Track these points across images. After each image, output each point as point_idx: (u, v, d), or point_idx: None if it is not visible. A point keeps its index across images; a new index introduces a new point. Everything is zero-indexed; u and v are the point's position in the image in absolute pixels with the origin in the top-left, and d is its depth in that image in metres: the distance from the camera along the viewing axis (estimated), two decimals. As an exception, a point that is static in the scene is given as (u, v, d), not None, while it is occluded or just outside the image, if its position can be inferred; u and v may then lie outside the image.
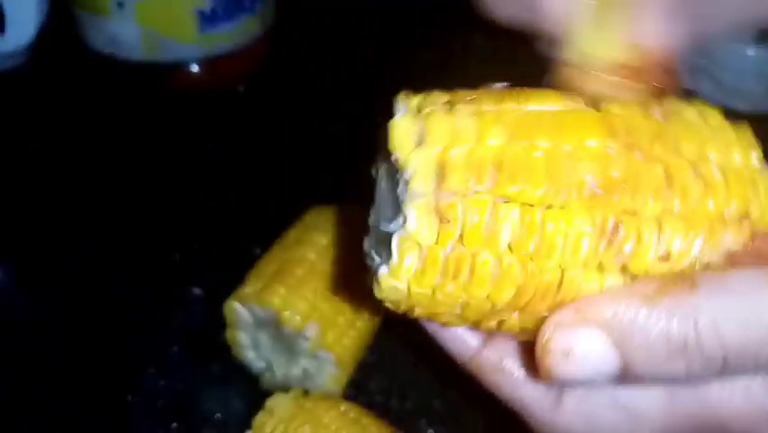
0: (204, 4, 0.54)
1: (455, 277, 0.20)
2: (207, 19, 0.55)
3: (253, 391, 0.39)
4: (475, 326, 0.22)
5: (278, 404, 0.35)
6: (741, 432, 0.21)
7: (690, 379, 0.20)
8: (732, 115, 0.22)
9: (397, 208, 0.21)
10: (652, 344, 0.19)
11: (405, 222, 0.20)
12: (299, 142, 0.55)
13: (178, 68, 0.57)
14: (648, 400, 0.21)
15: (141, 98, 0.59)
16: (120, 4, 0.53)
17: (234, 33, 0.57)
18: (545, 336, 0.20)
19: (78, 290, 0.45)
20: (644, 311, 0.19)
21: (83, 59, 0.59)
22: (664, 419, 0.21)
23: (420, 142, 0.20)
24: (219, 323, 0.42)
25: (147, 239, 0.48)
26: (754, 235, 0.20)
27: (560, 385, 0.21)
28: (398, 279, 0.20)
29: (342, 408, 0.35)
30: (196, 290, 0.44)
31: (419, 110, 0.21)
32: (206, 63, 0.58)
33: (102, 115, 0.58)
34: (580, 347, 0.19)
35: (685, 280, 0.20)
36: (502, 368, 0.23)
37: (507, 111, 0.21)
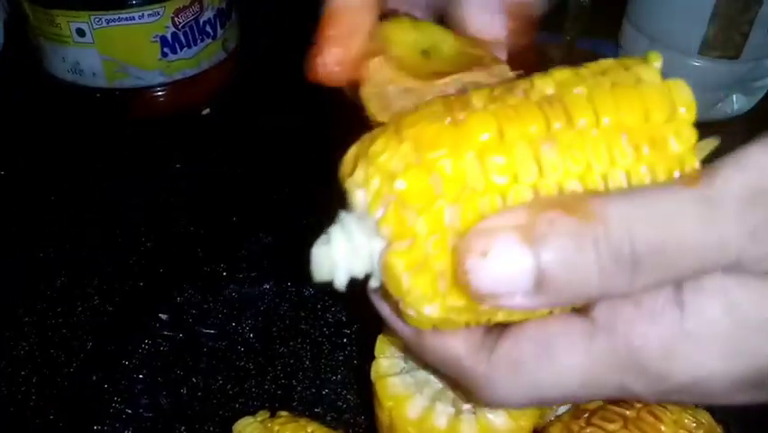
0: (165, 31, 0.55)
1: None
2: (169, 45, 0.55)
3: (221, 416, 0.39)
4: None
5: (246, 427, 0.35)
6: (652, 364, 0.20)
7: (603, 290, 0.20)
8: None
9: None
10: (563, 244, 0.19)
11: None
12: (266, 164, 0.56)
13: (142, 93, 0.57)
14: (568, 342, 0.21)
15: (105, 125, 0.59)
16: (80, 32, 0.54)
17: (198, 58, 0.58)
18: (463, 242, 0.20)
19: (41, 318, 0.44)
20: (555, 213, 0.19)
21: (46, 87, 0.59)
22: (583, 363, 0.21)
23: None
24: (185, 348, 0.43)
25: (112, 264, 0.48)
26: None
27: (477, 298, 0.20)
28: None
29: (310, 429, 0.35)
30: (163, 316, 0.44)
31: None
32: (170, 88, 0.58)
33: (66, 142, 0.58)
34: (495, 247, 0.19)
35: (599, 191, 0.20)
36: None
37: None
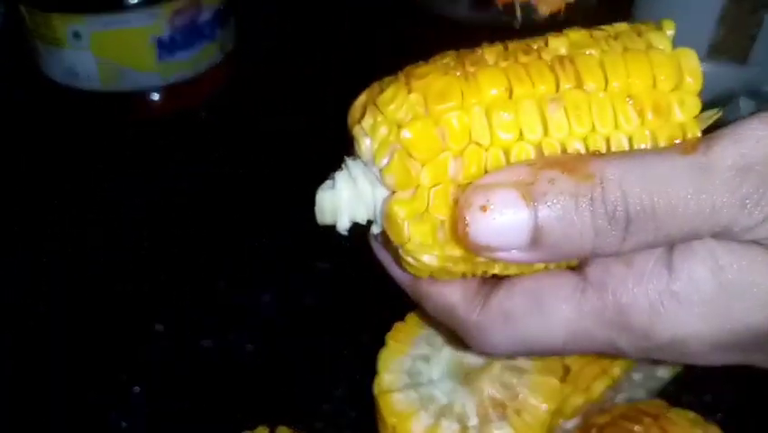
0: (162, 33, 0.54)
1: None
2: (166, 47, 0.55)
3: (220, 431, 0.39)
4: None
5: (245, 441, 0.34)
6: (638, 321, 0.21)
7: (597, 248, 0.20)
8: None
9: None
10: (561, 202, 0.20)
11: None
12: (266, 166, 0.55)
13: (139, 96, 0.57)
14: (559, 296, 0.22)
15: (101, 128, 0.58)
16: (76, 35, 0.53)
17: (194, 60, 0.57)
18: (464, 196, 0.21)
19: (34, 329, 0.44)
20: (555, 172, 0.20)
21: (42, 90, 0.58)
22: (572, 317, 0.22)
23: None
24: (184, 361, 0.42)
25: (112, 271, 0.47)
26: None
27: (477, 252, 0.21)
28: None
29: (310, 443, 0.34)
30: (159, 326, 0.43)
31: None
32: (167, 90, 0.57)
33: (67, 143, 0.58)
34: (495, 201, 0.20)
35: (600, 152, 0.21)
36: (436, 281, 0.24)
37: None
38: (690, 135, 0.22)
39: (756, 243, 0.20)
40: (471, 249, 0.21)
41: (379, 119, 0.22)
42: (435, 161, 0.21)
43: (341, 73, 0.64)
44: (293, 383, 0.41)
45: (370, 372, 0.33)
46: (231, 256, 0.48)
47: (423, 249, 0.22)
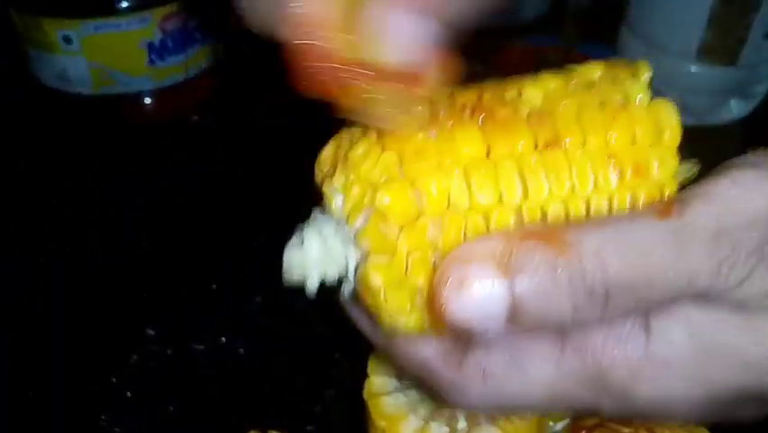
0: (153, 37, 0.54)
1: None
2: (157, 51, 0.55)
3: (211, 431, 0.39)
4: None
5: (236, 446, 0.34)
6: (618, 383, 0.21)
7: (576, 321, 0.20)
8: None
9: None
10: (539, 277, 0.19)
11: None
12: (254, 172, 0.55)
13: (130, 100, 0.57)
14: (538, 357, 0.22)
15: (93, 133, 0.58)
16: (67, 40, 0.53)
17: (186, 64, 0.57)
18: (440, 270, 0.20)
19: (32, 328, 0.44)
20: (533, 244, 0.20)
21: (34, 95, 0.58)
22: (552, 378, 0.22)
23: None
24: (175, 364, 0.42)
25: (105, 273, 0.47)
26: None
27: (454, 328, 0.20)
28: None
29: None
30: (150, 331, 0.43)
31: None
32: (158, 94, 0.57)
33: (60, 146, 0.58)
34: (471, 277, 0.19)
35: (574, 220, 0.21)
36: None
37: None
38: (667, 193, 0.21)
39: (731, 304, 0.20)
40: (449, 325, 0.20)
41: (352, 178, 0.21)
42: (413, 226, 0.20)
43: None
44: (284, 386, 0.41)
45: (361, 374, 0.33)
46: (224, 264, 0.48)
47: (400, 314, 0.21)
